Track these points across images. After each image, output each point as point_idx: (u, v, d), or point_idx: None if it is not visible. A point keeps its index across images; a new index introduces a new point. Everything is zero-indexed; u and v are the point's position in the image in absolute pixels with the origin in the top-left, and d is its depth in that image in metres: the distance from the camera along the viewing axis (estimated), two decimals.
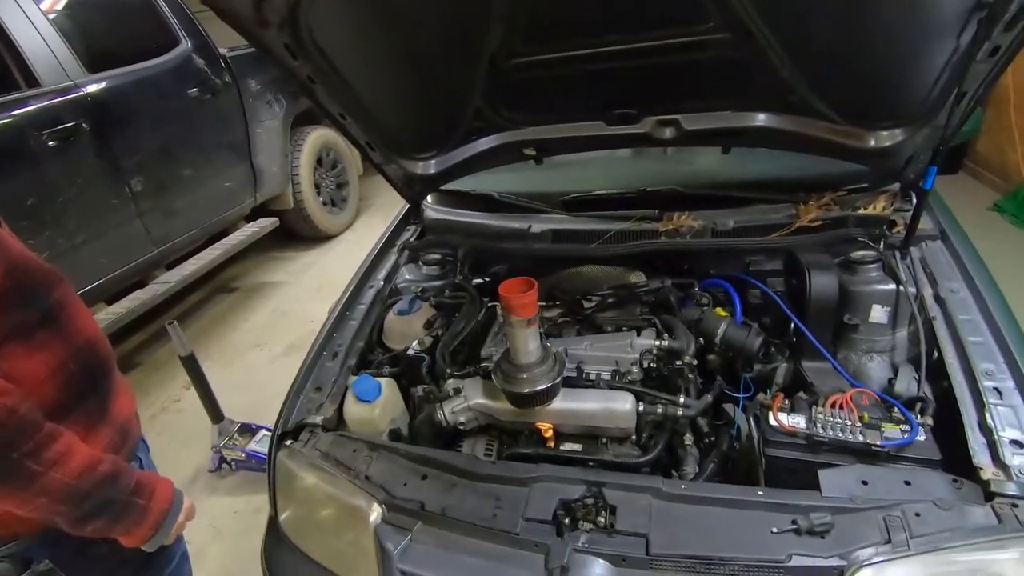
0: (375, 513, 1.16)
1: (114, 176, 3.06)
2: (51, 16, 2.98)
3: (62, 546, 1.07)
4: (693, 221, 1.70)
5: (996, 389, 1.11)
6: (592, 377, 1.40)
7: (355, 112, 1.54)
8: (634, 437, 1.34)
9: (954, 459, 1.06)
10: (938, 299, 1.34)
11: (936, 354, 1.26)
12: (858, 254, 1.51)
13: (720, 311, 1.55)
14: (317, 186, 4.73)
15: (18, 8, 2.81)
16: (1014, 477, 0.97)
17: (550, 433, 1.31)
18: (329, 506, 1.27)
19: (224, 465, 2.60)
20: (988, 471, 1.00)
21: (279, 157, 4.25)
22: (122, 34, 3.42)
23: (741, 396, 1.44)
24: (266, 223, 4.17)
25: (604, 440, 1.34)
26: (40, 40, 2.86)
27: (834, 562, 0.92)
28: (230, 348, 3.65)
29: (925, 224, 1.53)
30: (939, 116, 1.29)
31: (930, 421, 1.16)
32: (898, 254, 1.48)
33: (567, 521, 1.05)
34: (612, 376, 1.40)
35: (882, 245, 1.52)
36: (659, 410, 1.28)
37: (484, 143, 1.72)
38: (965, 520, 0.93)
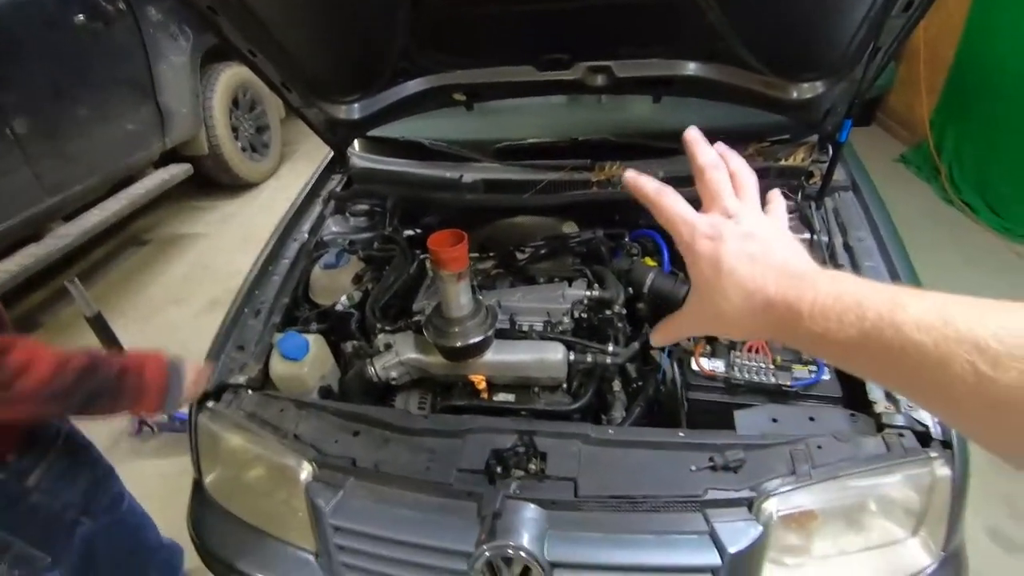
0: (305, 471, 1.14)
1: None
2: None
3: None
4: (624, 171, 1.70)
5: None
6: (525, 328, 1.41)
7: (266, 49, 1.41)
8: (565, 385, 1.37)
9: (854, 395, 1.16)
10: (847, 247, 1.43)
11: None
12: None
13: (649, 261, 1.58)
14: (235, 130, 4.38)
15: None
16: (902, 410, 1.07)
17: (483, 385, 1.32)
18: (257, 467, 1.24)
19: (145, 428, 2.48)
20: (880, 405, 1.09)
21: (189, 97, 3.87)
22: None
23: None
24: (178, 170, 3.85)
25: (536, 389, 1.37)
26: None
27: (745, 494, 0.99)
28: (146, 305, 3.43)
29: (839, 175, 1.60)
30: (856, 70, 1.33)
31: None
32: (813, 204, 1.55)
33: (499, 470, 1.07)
34: (544, 327, 1.42)
35: (800, 196, 1.58)
36: (589, 359, 1.32)
37: (411, 86, 1.63)
38: (859, 450, 1.02)
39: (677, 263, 1.62)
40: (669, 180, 1.83)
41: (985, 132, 3.61)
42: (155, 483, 2.30)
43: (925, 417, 1.05)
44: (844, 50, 1.29)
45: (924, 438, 1.03)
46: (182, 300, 3.41)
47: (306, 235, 1.70)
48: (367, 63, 1.56)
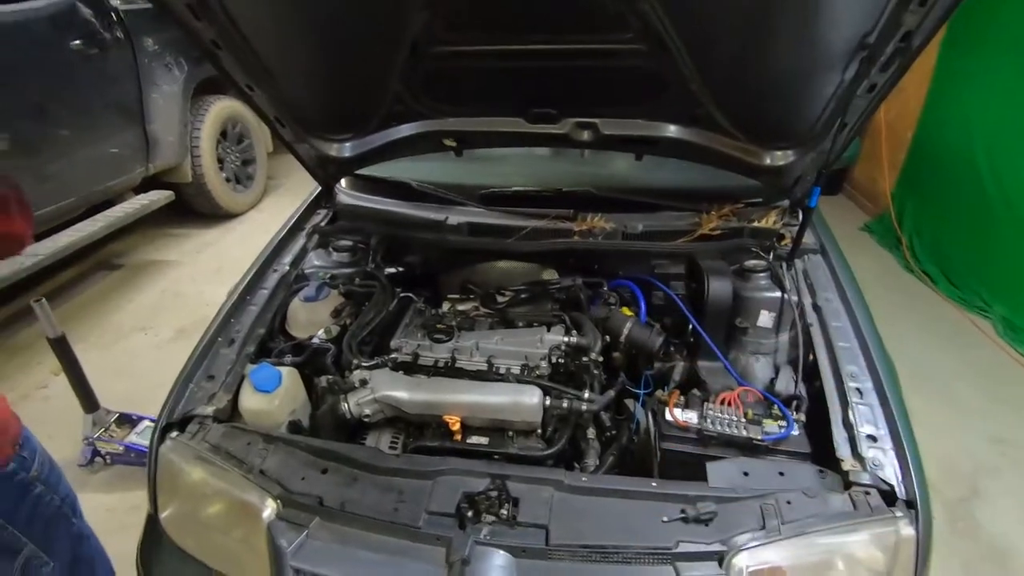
0: (269, 509, 1.10)
1: None
2: None
3: None
4: (605, 223, 1.76)
5: (858, 389, 1.24)
6: (502, 371, 1.41)
7: (264, 84, 1.44)
8: (539, 431, 1.37)
9: (823, 452, 1.18)
10: (815, 307, 1.48)
11: (812, 357, 1.38)
12: (751, 263, 1.63)
13: (626, 310, 1.62)
14: (220, 161, 4.40)
15: None
16: (868, 468, 1.09)
17: (457, 426, 1.31)
18: (217, 502, 1.19)
19: (97, 459, 2.36)
20: (848, 462, 1.11)
21: (177, 125, 3.90)
22: None
23: (641, 392, 1.51)
24: (159, 196, 3.82)
25: (511, 433, 1.36)
26: None
27: (716, 547, 0.98)
28: (110, 330, 3.32)
29: (808, 239, 1.68)
30: (824, 142, 1.42)
31: (803, 417, 1.28)
32: (784, 265, 1.62)
33: (470, 514, 1.05)
34: (521, 370, 1.42)
35: (772, 256, 1.65)
36: (565, 404, 1.32)
37: (404, 130, 1.67)
38: (827, 507, 1.03)
39: (653, 314, 1.66)
40: (648, 234, 1.90)
41: (940, 208, 3.83)
42: (101, 517, 2.17)
43: (890, 475, 1.07)
44: (814, 123, 1.38)
45: (889, 497, 1.05)
46: (149, 328, 3.32)
47: (287, 267, 1.70)
48: (361, 104, 1.60)
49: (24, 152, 2.93)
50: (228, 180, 4.52)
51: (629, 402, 1.56)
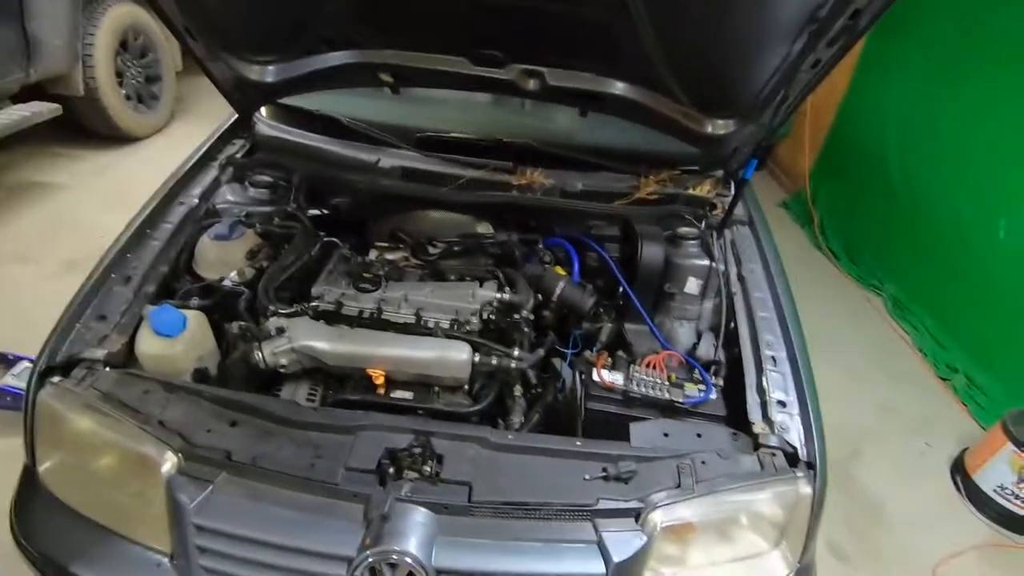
0: (168, 463, 1.02)
1: None
2: None
3: None
4: (545, 179, 1.71)
5: (772, 357, 1.30)
6: (431, 325, 1.37)
7: None
8: (466, 387, 1.34)
9: (737, 415, 1.24)
10: (740, 277, 1.53)
11: (732, 324, 1.44)
12: (683, 230, 1.65)
13: (559, 269, 1.60)
14: (120, 75, 3.90)
15: None
16: (775, 431, 1.16)
17: (381, 380, 1.26)
18: (108, 455, 1.09)
19: None
20: (758, 426, 1.17)
21: (65, 27, 3.38)
22: None
23: (569, 352, 1.51)
24: (42, 107, 3.34)
25: (436, 389, 1.33)
26: None
27: (633, 504, 1.02)
28: None
29: (738, 211, 1.72)
30: (765, 115, 1.43)
31: (721, 382, 1.33)
32: (715, 234, 1.65)
33: (392, 471, 1.02)
34: (451, 325, 1.38)
35: (703, 225, 1.68)
36: (494, 362, 1.30)
37: (335, 58, 1.53)
38: (738, 467, 1.09)
39: (585, 275, 1.66)
40: (587, 193, 1.87)
41: (851, 191, 4.10)
42: None
43: (795, 439, 1.14)
44: (758, 94, 1.38)
45: (792, 458, 1.12)
46: (31, 259, 2.96)
47: (196, 200, 1.54)
48: (288, 23, 1.44)
49: None
50: (128, 98, 4.03)
51: (556, 361, 1.57)
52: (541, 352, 1.39)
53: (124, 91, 3.97)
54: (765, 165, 5.14)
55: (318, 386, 1.33)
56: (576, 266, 1.63)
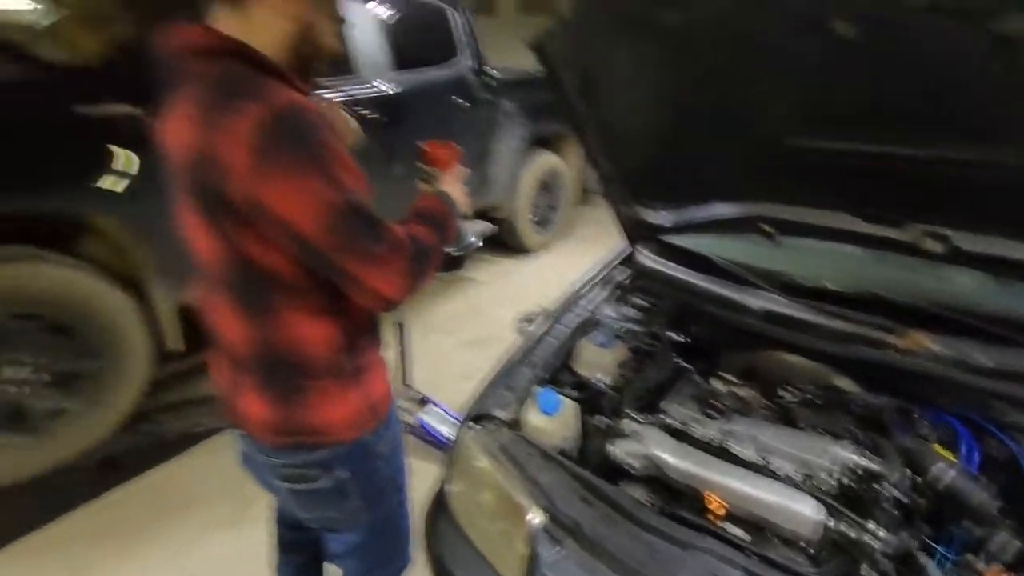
0: (536, 516, 1.25)
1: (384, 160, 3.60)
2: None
3: (355, 458, 1.23)
4: (933, 344, 1.52)
5: None
6: (778, 471, 1.35)
7: (609, 150, 1.66)
8: (804, 544, 1.25)
9: None
10: None
11: None
12: None
13: (939, 449, 1.37)
14: (535, 206, 5.12)
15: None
16: None
17: (718, 508, 1.29)
18: (493, 492, 1.40)
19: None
20: None
21: (509, 170, 4.71)
22: (419, 41, 4.13)
23: (940, 550, 1.26)
24: (489, 226, 4.66)
25: (770, 535, 1.28)
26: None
27: None
28: (423, 327, 4.11)
29: None
30: None
31: None
32: None
33: None
34: (803, 478, 1.33)
35: None
36: (852, 534, 1.19)
37: (723, 209, 1.74)
38: None
39: (986, 470, 1.37)
40: (1000, 373, 1.58)
41: None
42: None
43: None
44: None
45: None
46: (451, 332, 4.01)
47: (587, 313, 1.90)
48: (689, 179, 1.72)
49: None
50: (535, 222, 5.22)
51: (921, 555, 1.31)
52: (909, 539, 1.20)
53: (534, 217, 5.16)
54: None
55: (654, 494, 1.44)
56: (975, 454, 1.37)
